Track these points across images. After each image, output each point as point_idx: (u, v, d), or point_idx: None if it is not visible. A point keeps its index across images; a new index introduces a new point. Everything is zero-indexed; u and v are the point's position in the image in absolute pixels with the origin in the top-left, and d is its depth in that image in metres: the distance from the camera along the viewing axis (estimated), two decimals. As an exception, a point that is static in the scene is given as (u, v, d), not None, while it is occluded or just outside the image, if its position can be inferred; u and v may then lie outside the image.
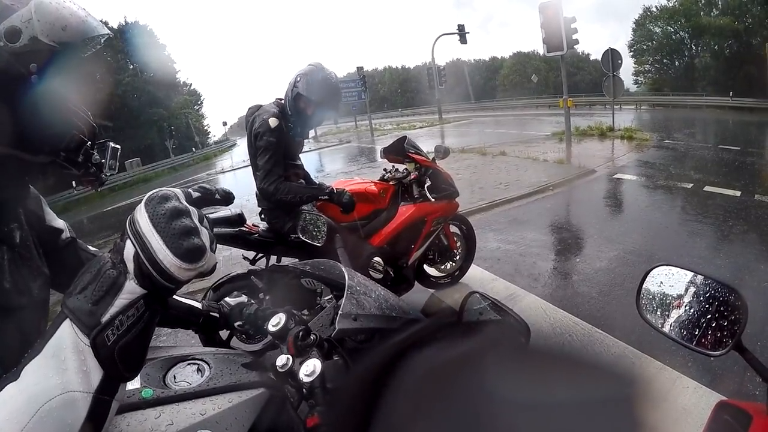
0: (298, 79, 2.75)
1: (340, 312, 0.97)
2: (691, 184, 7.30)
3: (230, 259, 5.44)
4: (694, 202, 6.50)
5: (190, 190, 0.61)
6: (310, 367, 0.99)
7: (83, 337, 0.50)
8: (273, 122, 2.74)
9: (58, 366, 0.49)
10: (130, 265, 0.52)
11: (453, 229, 3.73)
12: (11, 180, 0.64)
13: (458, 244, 3.76)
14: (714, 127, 17.91)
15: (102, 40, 0.74)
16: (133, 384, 0.78)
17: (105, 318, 0.51)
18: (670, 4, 35.22)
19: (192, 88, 46.48)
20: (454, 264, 3.78)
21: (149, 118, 36.33)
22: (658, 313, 0.93)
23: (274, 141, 2.75)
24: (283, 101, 2.87)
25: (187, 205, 0.57)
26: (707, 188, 6.96)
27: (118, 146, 0.82)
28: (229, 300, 1.32)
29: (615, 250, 4.57)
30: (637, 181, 8.04)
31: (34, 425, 0.46)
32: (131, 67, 36.55)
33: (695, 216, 5.81)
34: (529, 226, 5.69)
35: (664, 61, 37.63)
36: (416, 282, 3.53)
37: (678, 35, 35.91)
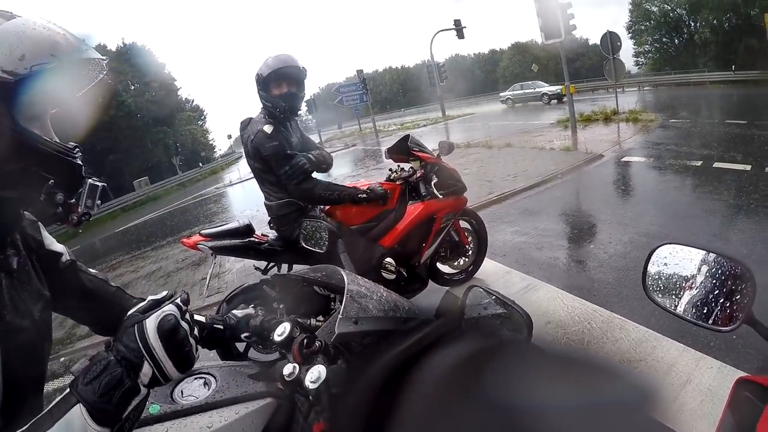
0: (256, 77, 2.81)
1: (339, 316, 0.98)
2: (701, 162, 7.16)
3: (243, 271, 5.48)
4: (704, 179, 6.37)
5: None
6: (315, 374, 0.98)
7: (95, 425, 0.61)
8: (268, 128, 2.74)
9: None
10: (146, 379, 0.67)
11: (463, 224, 3.69)
12: None
13: (469, 239, 3.71)
14: (719, 103, 17.67)
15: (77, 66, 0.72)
16: None
17: (124, 414, 0.64)
18: (667, -18, 34.54)
19: (194, 104, 47.16)
20: (466, 259, 3.74)
21: (154, 137, 36.83)
22: (666, 293, 0.92)
23: (278, 143, 2.75)
24: (263, 106, 2.88)
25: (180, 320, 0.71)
26: (717, 164, 6.82)
27: (99, 184, 0.80)
28: (236, 312, 1.32)
29: (628, 234, 4.50)
30: (646, 163, 7.91)
31: None
32: (132, 87, 37.03)
33: (707, 193, 5.71)
34: (540, 215, 5.64)
35: (664, 40, 36.91)
36: (430, 280, 3.49)
37: (675, 12, 35.14)
